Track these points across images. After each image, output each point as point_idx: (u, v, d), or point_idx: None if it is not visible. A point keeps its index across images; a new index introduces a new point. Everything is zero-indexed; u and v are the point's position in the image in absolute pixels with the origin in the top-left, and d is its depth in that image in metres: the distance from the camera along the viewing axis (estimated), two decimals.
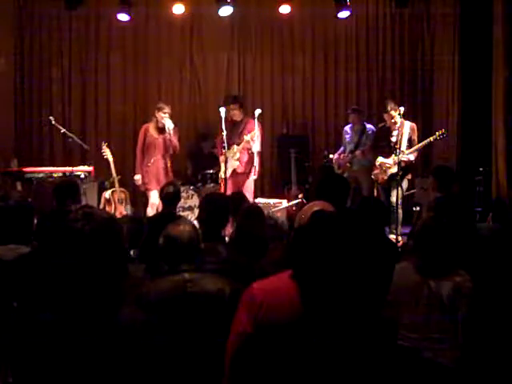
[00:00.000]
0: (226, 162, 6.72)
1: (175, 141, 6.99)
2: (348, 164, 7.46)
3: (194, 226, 2.71)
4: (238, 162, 6.90)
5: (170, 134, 6.91)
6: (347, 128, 7.67)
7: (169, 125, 6.90)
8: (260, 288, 2.00)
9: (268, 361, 1.30)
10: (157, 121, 7.02)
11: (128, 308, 1.83)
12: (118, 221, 1.96)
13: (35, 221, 3.56)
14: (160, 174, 6.97)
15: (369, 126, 7.58)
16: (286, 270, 2.06)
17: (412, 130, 6.79)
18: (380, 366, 1.25)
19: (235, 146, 6.97)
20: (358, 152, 7.36)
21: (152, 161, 6.98)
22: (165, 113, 6.96)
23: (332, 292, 1.26)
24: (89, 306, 1.71)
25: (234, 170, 7.01)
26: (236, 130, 7.00)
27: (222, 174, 7.05)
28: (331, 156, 7.91)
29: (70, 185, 4.64)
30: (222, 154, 6.97)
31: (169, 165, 7.09)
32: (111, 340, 1.68)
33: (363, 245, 1.23)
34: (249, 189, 6.96)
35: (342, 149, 7.70)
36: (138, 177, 7.09)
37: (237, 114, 7.03)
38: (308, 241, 1.27)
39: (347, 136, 7.63)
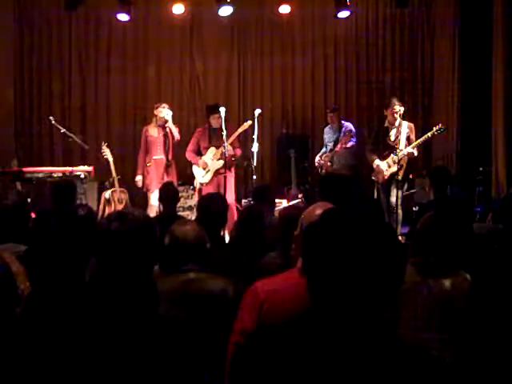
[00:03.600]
0: (225, 161, 6.73)
1: (174, 129, 7.09)
2: (329, 163, 7.48)
3: (199, 225, 2.71)
4: (222, 161, 6.92)
5: (167, 121, 7.01)
6: (326, 128, 7.81)
7: (166, 112, 7.02)
8: (263, 287, 2.00)
9: (271, 359, 1.30)
10: (156, 120, 7.11)
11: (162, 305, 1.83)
12: (152, 220, 1.93)
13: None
14: (161, 174, 7.03)
15: (346, 123, 7.65)
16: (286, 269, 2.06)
17: (410, 129, 6.80)
18: (384, 363, 1.25)
19: (213, 148, 7.03)
20: (338, 147, 7.38)
21: (152, 161, 7.05)
22: (163, 107, 7.08)
23: (343, 288, 1.26)
24: (125, 307, 1.69)
25: (216, 171, 7.05)
26: (216, 134, 7.01)
27: (200, 179, 7.15)
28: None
29: (67, 185, 4.64)
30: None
31: (170, 163, 7.14)
32: (151, 338, 1.66)
33: (373, 242, 1.23)
34: (232, 188, 7.03)
35: (323, 150, 7.80)
36: (138, 178, 7.22)
37: (219, 123, 7.04)
38: (321, 236, 1.27)
39: (326, 136, 7.76)
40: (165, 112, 7.05)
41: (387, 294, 1.29)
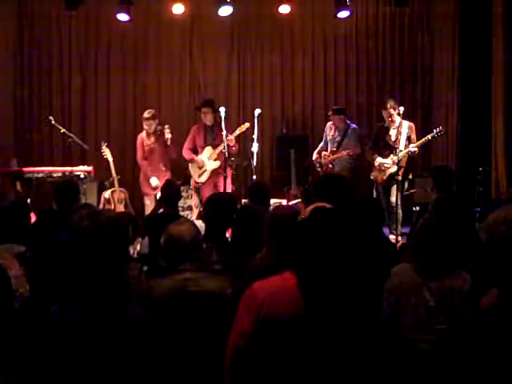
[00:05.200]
0: (225, 162, 6.72)
1: (174, 149, 7.16)
2: (330, 165, 7.38)
3: (195, 225, 2.71)
4: (218, 162, 6.94)
5: (168, 145, 7.08)
6: (330, 124, 7.52)
7: (146, 128, 7.15)
8: (261, 287, 2.00)
9: (269, 360, 1.31)
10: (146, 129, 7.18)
11: (131, 306, 1.83)
12: (123, 220, 1.94)
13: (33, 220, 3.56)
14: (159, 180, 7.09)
15: (353, 125, 7.47)
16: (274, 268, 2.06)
17: (410, 129, 6.79)
18: (380, 359, 1.25)
19: (210, 148, 7.02)
20: (343, 153, 7.26)
21: (150, 168, 7.12)
22: (147, 119, 7.13)
23: (332, 286, 1.26)
24: (94, 304, 1.70)
25: (213, 171, 7.04)
26: (212, 133, 7.01)
27: (195, 178, 7.14)
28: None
29: (71, 185, 4.63)
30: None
31: (167, 167, 7.24)
32: (118, 338, 1.68)
33: (361, 241, 1.24)
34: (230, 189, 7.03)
35: (321, 145, 7.57)
36: (154, 180, 7.15)
37: (209, 118, 7.02)
38: (308, 235, 1.28)
39: (329, 134, 7.47)
40: (167, 135, 7.06)
41: (373, 290, 1.29)
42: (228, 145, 6.68)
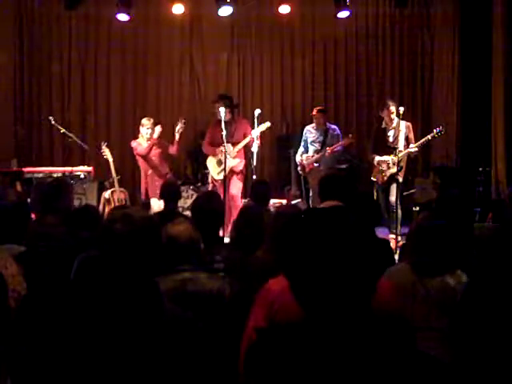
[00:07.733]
0: (225, 161, 6.71)
1: (176, 147, 7.13)
2: (315, 164, 7.31)
3: (193, 225, 2.70)
4: (238, 160, 6.92)
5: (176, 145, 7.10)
6: (310, 128, 7.42)
7: (145, 132, 7.07)
8: (274, 285, 2.01)
9: (280, 356, 1.31)
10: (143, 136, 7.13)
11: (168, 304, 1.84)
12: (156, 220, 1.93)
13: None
14: (159, 182, 7.10)
15: (333, 126, 7.42)
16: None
17: (408, 128, 6.78)
18: (384, 361, 1.25)
19: (230, 145, 6.95)
20: (327, 152, 7.19)
21: (150, 172, 7.09)
22: (142, 125, 7.13)
23: (325, 289, 1.26)
24: (128, 306, 1.70)
25: (232, 169, 7.01)
26: (227, 129, 6.85)
27: (214, 175, 7.06)
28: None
29: (55, 185, 4.59)
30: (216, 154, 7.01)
31: (167, 171, 7.21)
32: (155, 337, 1.67)
33: (355, 241, 1.23)
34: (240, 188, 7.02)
35: (302, 149, 7.45)
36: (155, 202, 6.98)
37: (222, 114, 6.96)
38: (296, 237, 1.27)
39: (311, 136, 7.37)
40: (143, 131, 7.07)
41: (366, 288, 1.29)
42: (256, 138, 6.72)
